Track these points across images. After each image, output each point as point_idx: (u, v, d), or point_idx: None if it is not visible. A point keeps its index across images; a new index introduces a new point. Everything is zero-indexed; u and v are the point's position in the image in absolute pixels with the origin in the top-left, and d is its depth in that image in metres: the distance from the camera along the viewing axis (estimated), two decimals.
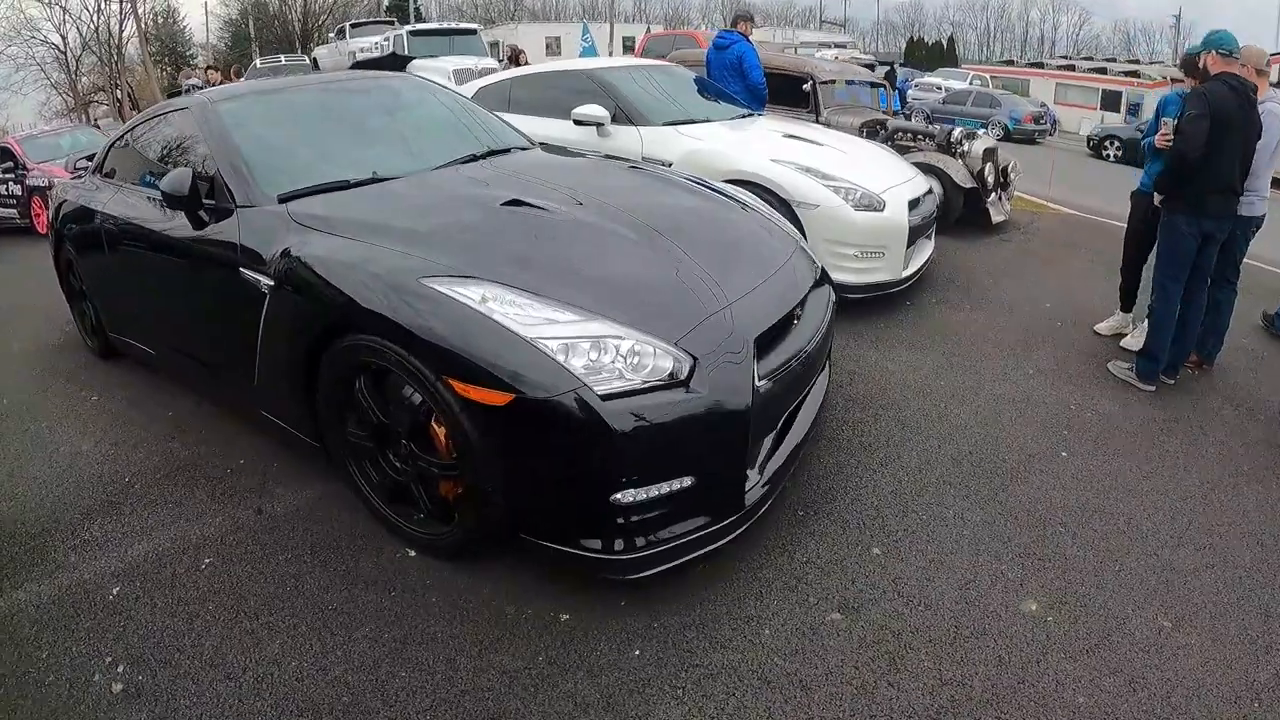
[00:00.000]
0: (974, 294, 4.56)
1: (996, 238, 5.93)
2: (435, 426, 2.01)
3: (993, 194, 5.92)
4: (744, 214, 2.74)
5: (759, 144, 4.20)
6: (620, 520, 1.84)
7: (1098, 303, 4.30)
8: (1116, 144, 16.56)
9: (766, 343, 2.11)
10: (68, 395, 3.45)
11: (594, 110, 4.27)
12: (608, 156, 3.40)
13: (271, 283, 2.21)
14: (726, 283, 2.17)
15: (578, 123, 4.32)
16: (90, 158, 3.70)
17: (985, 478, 2.61)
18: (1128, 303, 3.96)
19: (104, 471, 2.73)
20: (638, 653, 1.88)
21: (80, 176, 3.92)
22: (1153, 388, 3.36)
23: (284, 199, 2.39)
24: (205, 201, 2.46)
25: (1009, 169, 6.16)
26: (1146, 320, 3.52)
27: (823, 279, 2.60)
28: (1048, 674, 1.82)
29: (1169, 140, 3.17)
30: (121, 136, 3.43)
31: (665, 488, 1.86)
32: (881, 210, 3.85)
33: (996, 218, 5.92)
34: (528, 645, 1.91)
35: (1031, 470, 2.67)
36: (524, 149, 3.13)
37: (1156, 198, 3.34)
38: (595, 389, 1.75)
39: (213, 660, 1.89)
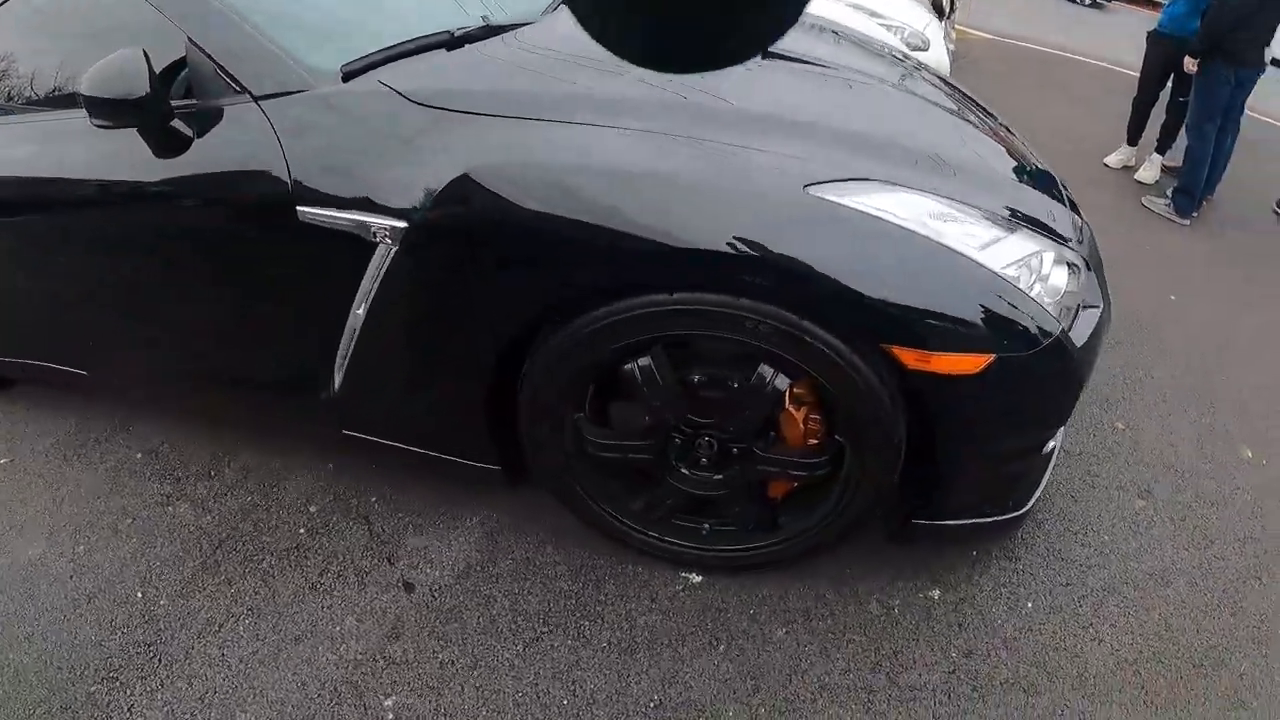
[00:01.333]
0: None
1: (953, 66, 5.88)
2: (793, 412, 1.34)
3: (944, 21, 5.72)
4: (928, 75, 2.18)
5: None
6: (1040, 470, 1.47)
7: (1085, 132, 4.51)
8: None
9: None
10: None
11: None
12: None
13: (401, 224, 1.23)
14: (1030, 163, 1.72)
15: None
16: None
17: (1141, 331, 2.62)
18: (1134, 137, 4.17)
19: (90, 588, 1.55)
20: (1030, 605, 1.61)
21: None
22: (1188, 222, 3.64)
23: (351, 74, 1.34)
24: (179, 104, 1.32)
25: None
26: (1154, 154, 4.04)
27: None
28: None
29: None
30: None
31: None
32: (928, 50, 3.50)
33: (949, 46, 5.81)
34: (928, 645, 1.51)
35: (1163, 319, 2.74)
36: None
37: (1190, 62, 3.51)
38: (1064, 326, 1.26)
39: None
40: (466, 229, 1.23)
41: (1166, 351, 2.54)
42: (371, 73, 1.33)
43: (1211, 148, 3.52)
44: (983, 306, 1.18)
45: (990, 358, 1.18)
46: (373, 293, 1.32)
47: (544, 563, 1.63)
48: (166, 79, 1.31)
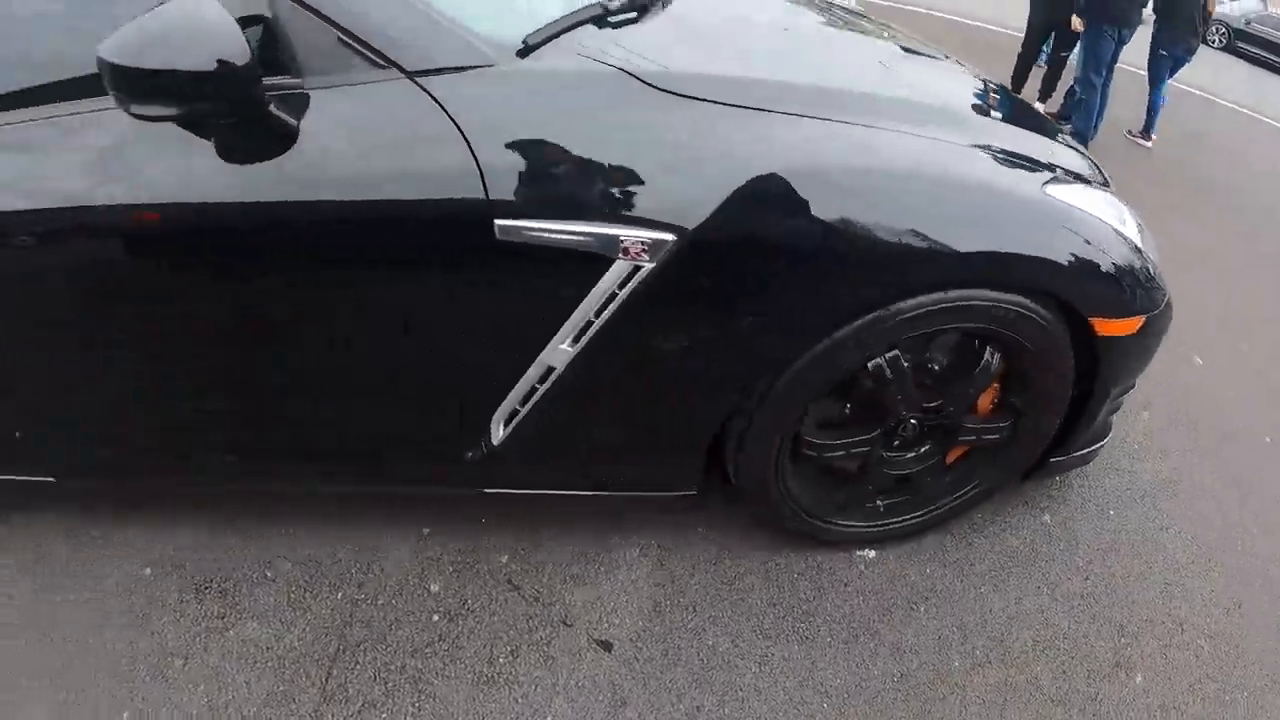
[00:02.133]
0: None
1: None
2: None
3: None
4: None
5: None
6: None
7: None
8: None
9: None
10: None
11: None
12: None
13: (666, 237, 1.06)
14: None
15: None
16: None
17: None
18: (1018, 88, 4.83)
19: None
20: (1112, 513, 1.89)
21: None
22: None
23: (530, 48, 1.10)
24: (274, 81, 0.98)
25: None
26: (1036, 103, 4.65)
27: None
28: None
29: None
30: None
31: None
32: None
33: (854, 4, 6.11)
34: (1063, 561, 1.73)
35: None
36: None
37: (1077, 21, 4.17)
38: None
39: None
40: (760, 241, 1.11)
41: None
42: (555, 45, 1.11)
43: (1099, 96, 4.22)
44: (1142, 278, 1.38)
45: (1143, 319, 1.40)
46: (600, 321, 1.13)
47: (730, 577, 1.57)
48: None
